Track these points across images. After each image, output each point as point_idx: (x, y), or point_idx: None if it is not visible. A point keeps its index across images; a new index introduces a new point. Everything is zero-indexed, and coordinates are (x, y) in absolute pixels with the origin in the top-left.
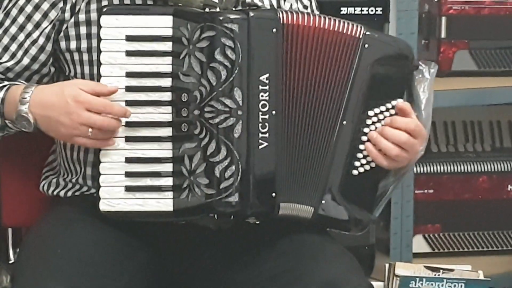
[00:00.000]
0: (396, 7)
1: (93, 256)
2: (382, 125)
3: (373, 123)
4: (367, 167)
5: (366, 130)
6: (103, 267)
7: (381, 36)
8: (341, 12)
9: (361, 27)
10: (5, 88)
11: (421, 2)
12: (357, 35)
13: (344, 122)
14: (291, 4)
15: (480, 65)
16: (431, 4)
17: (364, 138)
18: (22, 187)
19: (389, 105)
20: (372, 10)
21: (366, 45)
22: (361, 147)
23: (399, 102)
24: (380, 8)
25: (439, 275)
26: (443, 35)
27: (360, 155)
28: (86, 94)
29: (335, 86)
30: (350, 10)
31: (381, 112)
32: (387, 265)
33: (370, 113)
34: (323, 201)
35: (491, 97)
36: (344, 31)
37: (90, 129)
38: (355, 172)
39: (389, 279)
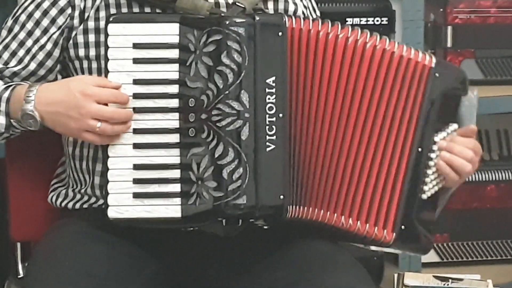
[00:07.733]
0: (401, 17)
1: (102, 269)
2: (444, 146)
3: (439, 148)
4: (433, 191)
5: (432, 155)
6: (111, 280)
7: (446, 64)
8: (347, 23)
9: (431, 56)
10: (10, 88)
11: (427, 12)
12: (428, 64)
13: (420, 149)
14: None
15: (486, 74)
16: (437, 13)
17: (430, 163)
18: (31, 201)
19: (449, 130)
20: (377, 21)
21: (437, 74)
22: (429, 172)
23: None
24: (386, 18)
25: (448, 284)
26: (449, 44)
27: (428, 180)
28: (92, 87)
29: (392, 108)
30: (356, 20)
31: (444, 137)
32: (396, 275)
33: (436, 138)
34: (402, 227)
35: (498, 106)
36: (412, 57)
37: (98, 124)
38: (424, 196)
39: None
